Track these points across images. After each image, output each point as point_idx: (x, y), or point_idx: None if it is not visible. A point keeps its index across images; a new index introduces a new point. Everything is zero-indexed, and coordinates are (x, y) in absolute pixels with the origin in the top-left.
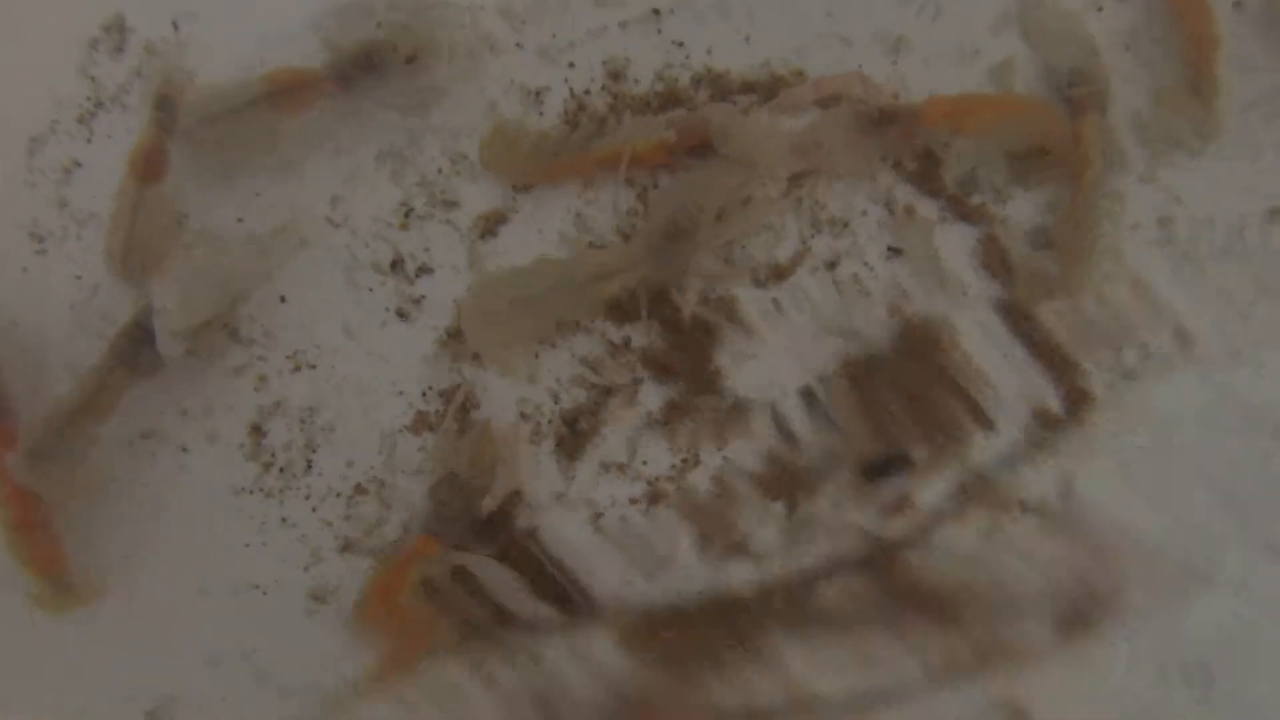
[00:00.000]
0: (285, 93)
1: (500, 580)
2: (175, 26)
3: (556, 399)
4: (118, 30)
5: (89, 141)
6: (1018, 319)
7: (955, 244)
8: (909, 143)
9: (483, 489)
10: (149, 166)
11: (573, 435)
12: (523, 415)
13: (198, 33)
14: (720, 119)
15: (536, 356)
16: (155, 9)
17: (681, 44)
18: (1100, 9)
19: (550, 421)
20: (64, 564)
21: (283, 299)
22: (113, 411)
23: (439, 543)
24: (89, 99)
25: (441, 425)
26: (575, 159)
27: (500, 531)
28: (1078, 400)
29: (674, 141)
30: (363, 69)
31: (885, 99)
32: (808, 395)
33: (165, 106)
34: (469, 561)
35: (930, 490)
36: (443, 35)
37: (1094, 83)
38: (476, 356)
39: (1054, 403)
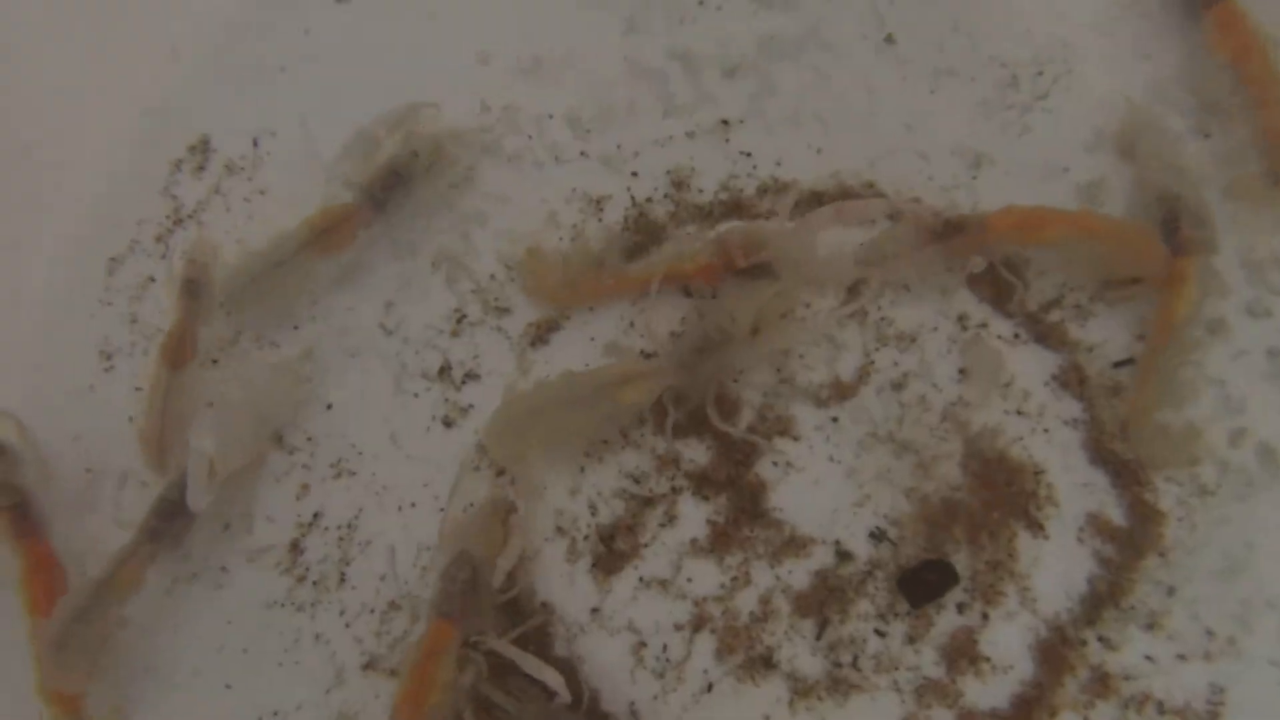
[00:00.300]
0: (326, 235)
1: (537, 667)
2: (255, 144)
3: (594, 511)
4: (201, 150)
5: (164, 258)
6: (1092, 438)
7: (1030, 364)
8: (978, 256)
9: (491, 560)
10: (178, 353)
11: (610, 553)
12: (559, 530)
13: (276, 148)
14: (768, 235)
15: (582, 470)
16: (237, 130)
17: (749, 154)
18: (1208, 136)
19: (587, 537)
20: (80, 707)
21: (329, 406)
22: (140, 588)
23: (452, 624)
24: (168, 217)
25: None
26: (615, 280)
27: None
28: (1145, 515)
29: (717, 262)
30: (390, 188)
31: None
32: (878, 534)
33: (193, 291)
34: (500, 648)
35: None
36: (447, 136)
37: (1203, 223)
38: (526, 463)
39: (1116, 513)
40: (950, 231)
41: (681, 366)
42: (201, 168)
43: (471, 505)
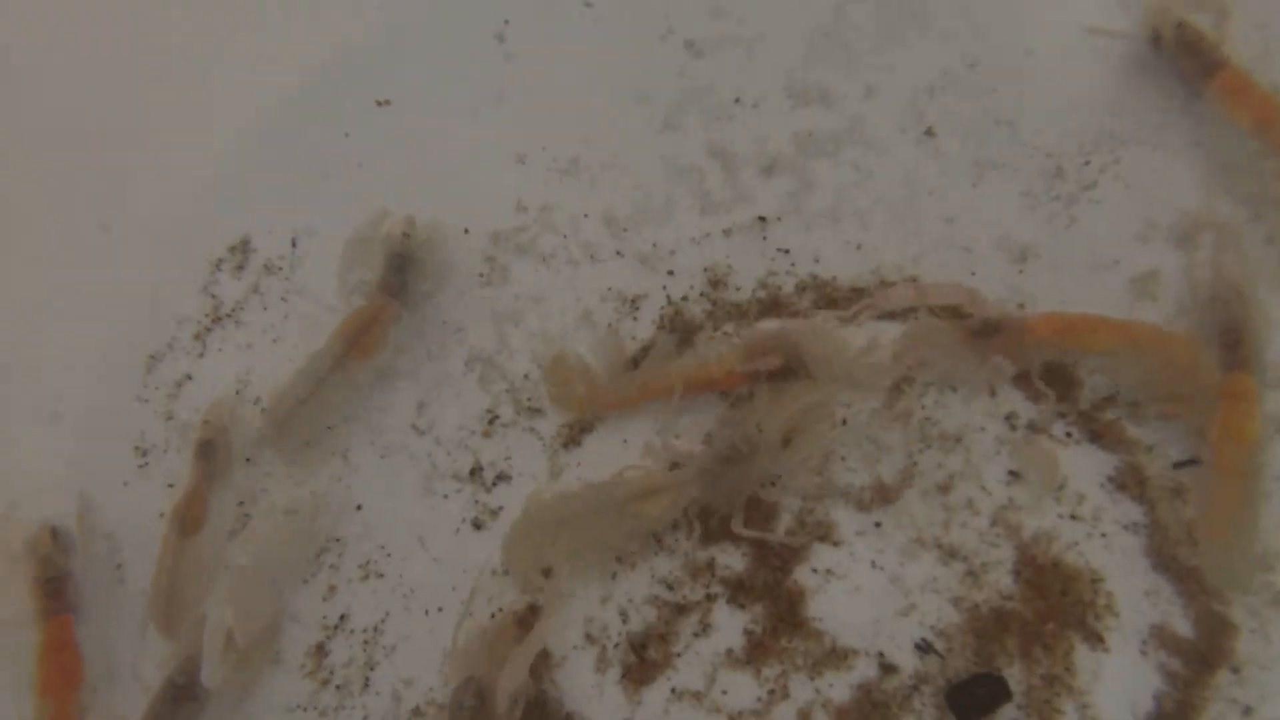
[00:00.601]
0: (359, 340)
1: None
2: (294, 244)
3: (625, 619)
4: (242, 250)
5: (201, 356)
6: (1154, 543)
7: (1085, 465)
8: (1019, 356)
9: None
10: (190, 520)
11: (641, 663)
12: (588, 637)
13: (314, 248)
14: (796, 335)
15: (614, 576)
16: (277, 230)
17: (787, 251)
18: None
19: (617, 645)
20: None
21: (359, 507)
22: None
23: None
24: (207, 315)
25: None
26: (640, 388)
27: None
28: (1214, 626)
29: (743, 366)
30: (399, 270)
31: (991, 310)
32: (924, 645)
33: (208, 454)
34: None
35: None
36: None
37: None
38: (546, 573)
39: (1182, 624)
40: (988, 331)
41: (707, 478)
42: (241, 267)
43: (493, 615)
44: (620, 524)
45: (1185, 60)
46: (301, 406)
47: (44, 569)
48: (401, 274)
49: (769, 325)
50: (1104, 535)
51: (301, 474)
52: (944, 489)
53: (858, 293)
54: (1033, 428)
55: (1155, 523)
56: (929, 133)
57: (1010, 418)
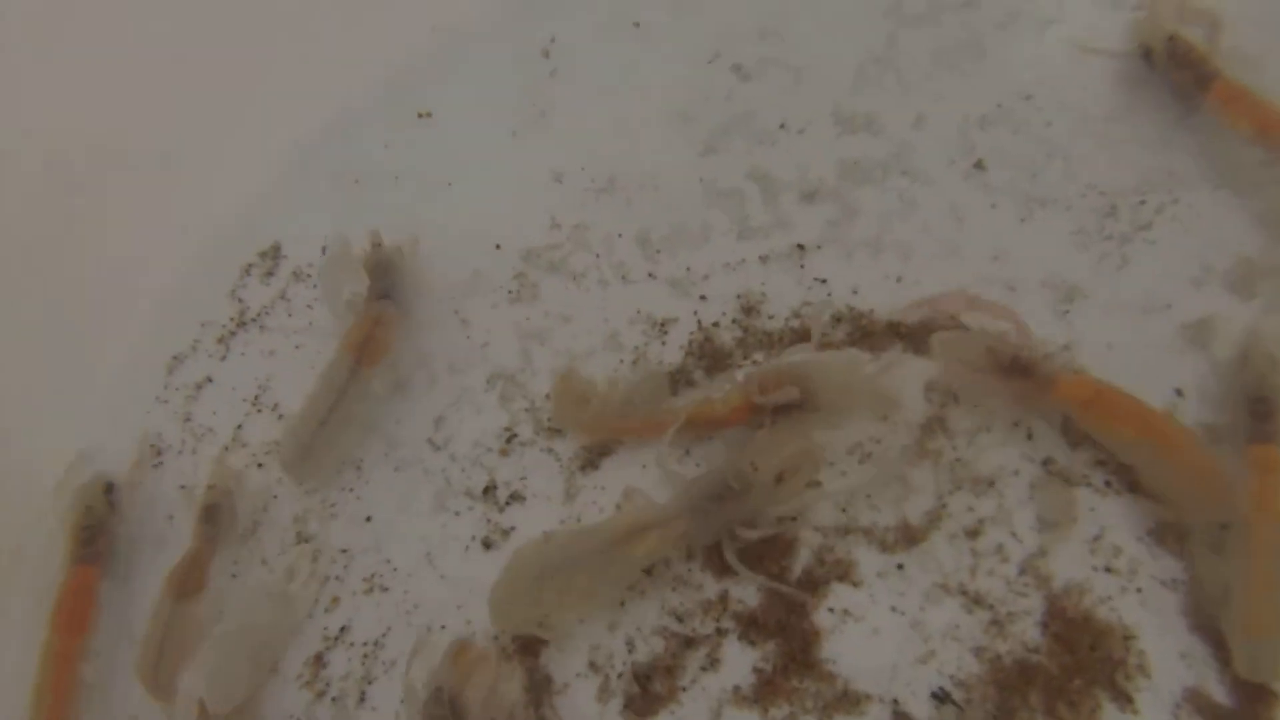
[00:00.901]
0: (367, 347)
1: None
2: (324, 252)
3: (631, 648)
4: (272, 256)
5: (223, 360)
6: (1193, 602)
7: (1122, 516)
8: (1042, 406)
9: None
10: (186, 582)
11: (645, 694)
12: (592, 665)
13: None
14: (811, 370)
15: (622, 604)
16: (308, 238)
17: (824, 281)
18: None
19: (621, 675)
20: None
21: (368, 519)
22: None
23: None
24: (232, 319)
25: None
26: (645, 421)
27: None
28: (1253, 694)
29: (749, 404)
30: (385, 275)
31: (1027, 350)
32: (941, 695)
33: (212, 518)
34: None
35: None
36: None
37: None
38: (539, 625)
39: (1218, 690)
40: (1016, 371)
41: (696, 514)
42: (270, 273)
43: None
44: (609, 567)
45: (1178, 73)
46: (323, 428)
47: (85, 517)
48: (386, 279)
49: (768, 364)
50: (1139, 590)
51: (313, 483)
52: (972, 533)
53: (894, 327)
54: (1068, 475)
55: (1195, 580)
56: (979, 165)
57: (1047, 463)
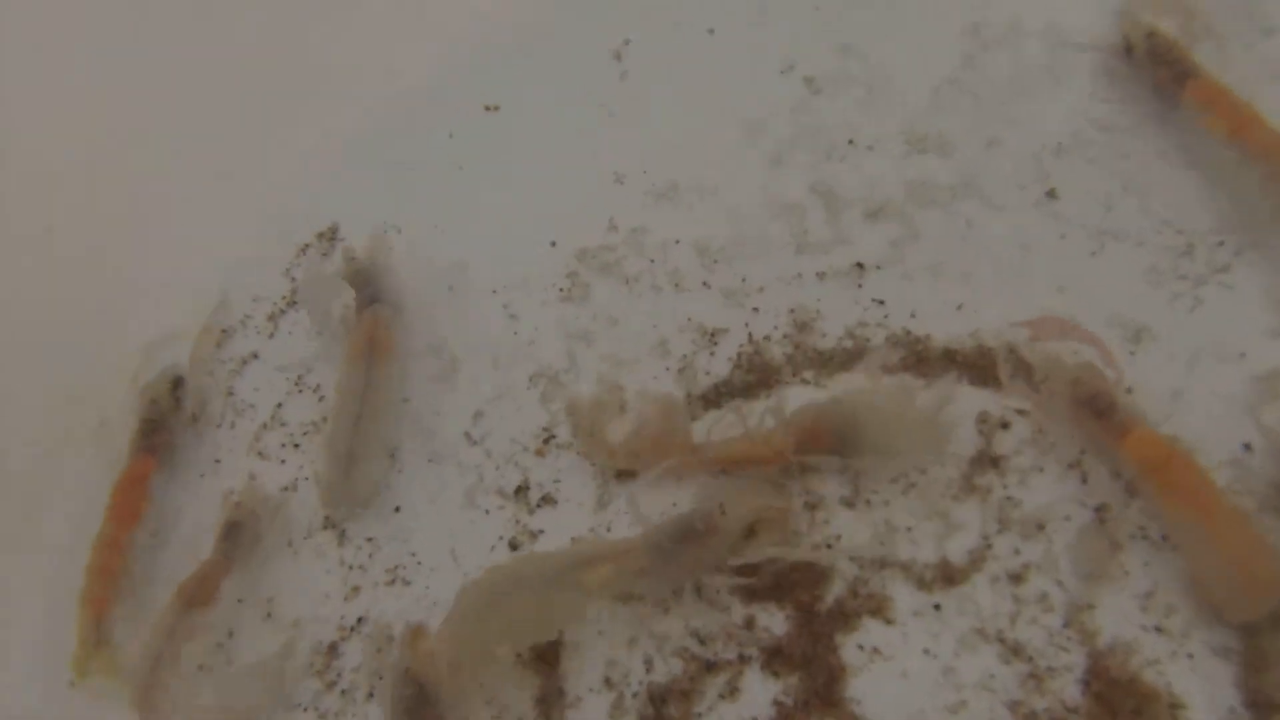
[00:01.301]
0: (372, 348)
1: None
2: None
3: (649, 667)
4: (329, 238)
5: (271, 337)
6: (1249, 676)
7: (1179, 574)
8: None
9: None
10: (198, 595)
11: (658, 717)
12: (607, 681)
13: (398, 244)
14: (853, 412)
15: (644, 619)
16: (366, 221)
17: (882, 302)
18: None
19: (636, 694)
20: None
21: (397, 509)
22: None
23: None
24: (284, 298)
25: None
26: (680, 458)
27: None
28: None
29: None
30: (366, 284)
31: (1111, 388)
32: None
33: (233, 536)
34: None
35: None
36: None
37: None
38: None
39: None
40: (1095, 408)
41: (656, 553)
42: (325, 255)
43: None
44: (560, 594)
45: (1158, 70)
46: (357, 438)
47: (149, 410)
48: (369, 286)
49: (811, 405)
50: (1190, 656)
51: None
52: (1016, 578)
53: (950, 354)
54: (1122, 525)
55: (1253, 652)
56: (1051, 194)
57: (1101, 510)
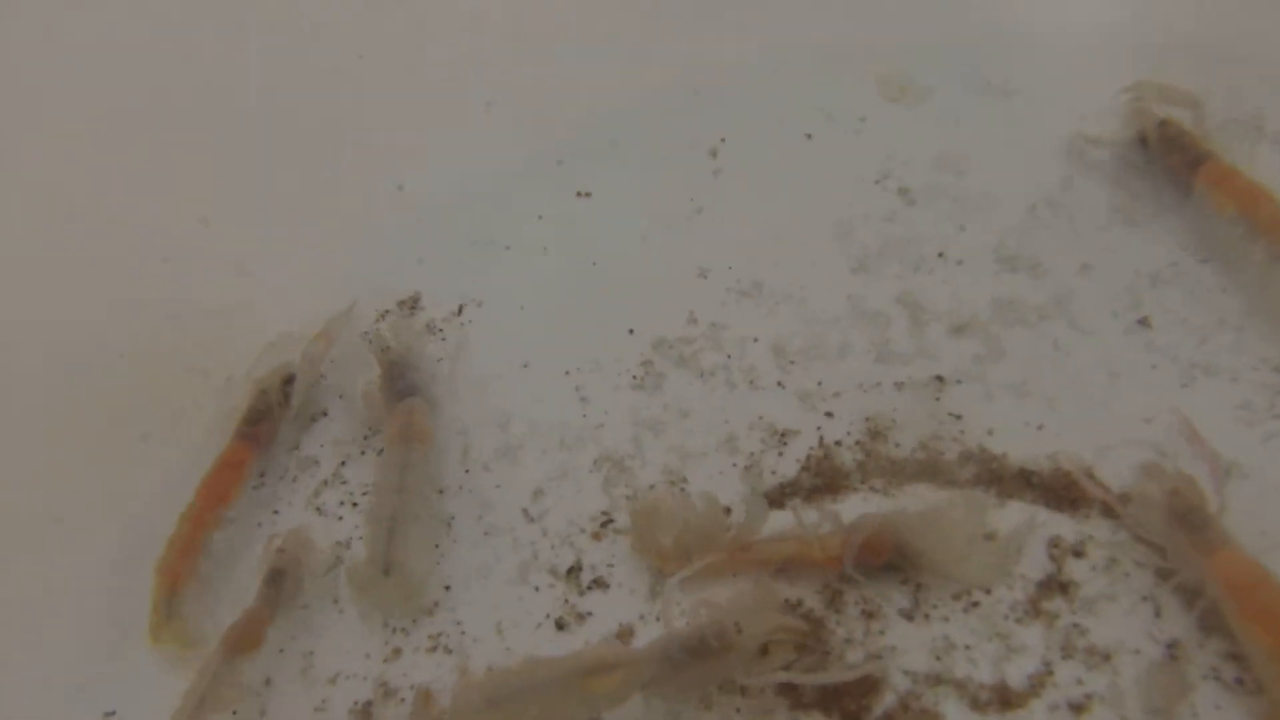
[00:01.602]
0: (409, 440)
1: None
2: (459, 311)
3: None
4: (410, 306)
5: (341, 397)
6: None
7: (1248, 717)
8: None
9: None
10: (243, 641)
11: None
12: None
13: (478, 319)
14: (908, 532)
15: (679, 715)
16: (448, 293)
17: (959, 417)
18: None
19: None
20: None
21: (446, 588)
22: None
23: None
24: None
25: None
26: (730, 557)
27: None
28: None
29: (835, 554)
30: (405, 373)
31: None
32: None
33: (276, 582)
34: None
35: None
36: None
37: None
38: None
39: None
40: (1190, 522)
41: (666, 665)
42: (405, 319)
43: None
44: (565, 700)
45: (1171, 157)
46: (395, 538)
47: (258, 400)
48: (404, 378)
49: (871, 516)
50: None
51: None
52: (1077, 709)
53: (1025, 474)
54: (1192, 663)
55: None
56: (1143, 322)
57: (1174, 646)
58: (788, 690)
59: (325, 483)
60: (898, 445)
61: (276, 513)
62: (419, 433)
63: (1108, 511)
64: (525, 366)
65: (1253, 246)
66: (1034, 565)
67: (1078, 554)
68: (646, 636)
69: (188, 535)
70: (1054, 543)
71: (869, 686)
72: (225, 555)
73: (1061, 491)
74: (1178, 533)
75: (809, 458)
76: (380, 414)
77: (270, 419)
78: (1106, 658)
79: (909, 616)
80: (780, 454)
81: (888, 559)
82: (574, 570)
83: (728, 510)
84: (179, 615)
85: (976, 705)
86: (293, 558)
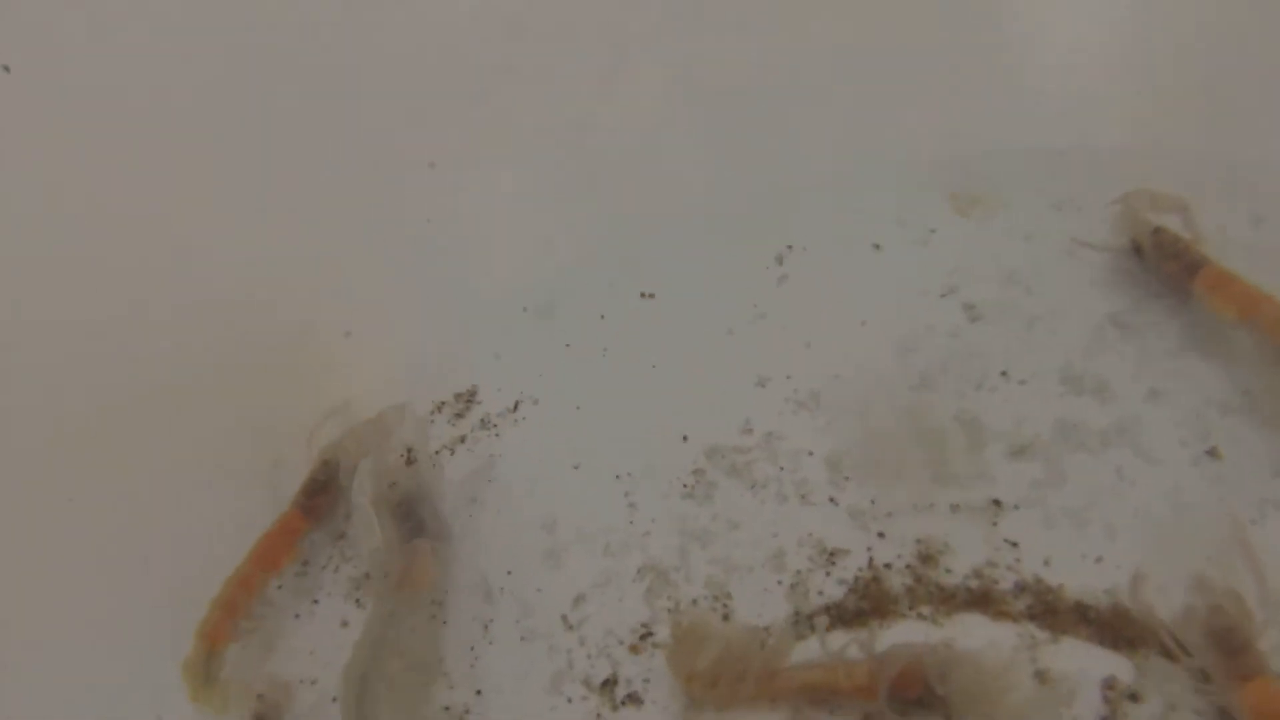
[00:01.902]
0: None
1: None
2: (515, 407)
3: None
4: (466, 399)
5: (392, 485)
6: None
7: None
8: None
9: None
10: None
11: None
12: None
13: (533, 416)
14: (938, 668)
15: None
16: (505, 388)
17: (1015, 544)
18: None
19: None
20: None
21: (478, 693)
22: None
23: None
24: (410, 449)
25: None
26: (758, 686)
27: None
28: None
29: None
30: (413, 513)
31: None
32: None
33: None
34: None
35: None
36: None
37: None
38: None
39: None
40: (1228, 642)
41: None
42: (460, 415)
43: None
44: None
45: (1167, 264)
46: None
47: (321, 470)
48: (413, 516)
49: (903, 647)
50: None
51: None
52: None
53: (1082, 609)
54: None
55: None
56: (1212, 453)
57: None
58: None
59: (366, 575)
60: (949, 571)
61: (316, 602)
62: (415, 580)
63: (1168, 653)
64: (576, 468)
65: (1263, 350)
66: (1086, 707)
67: (1134, 698)
68: None
69: (232, 597)
70: (1109, 684)
71: None
72: (259, 643)
73: (1120, 629)
74: (1215, 653)
75: (856, 580)
76: (389, 547)
77: (328, 491)
78: None
79: None
80: (828, 573)
81: (921, 693)
82: (609, 684)
83: (766, 631)
84: (215, 680)
85: None
86: (273, 704)
